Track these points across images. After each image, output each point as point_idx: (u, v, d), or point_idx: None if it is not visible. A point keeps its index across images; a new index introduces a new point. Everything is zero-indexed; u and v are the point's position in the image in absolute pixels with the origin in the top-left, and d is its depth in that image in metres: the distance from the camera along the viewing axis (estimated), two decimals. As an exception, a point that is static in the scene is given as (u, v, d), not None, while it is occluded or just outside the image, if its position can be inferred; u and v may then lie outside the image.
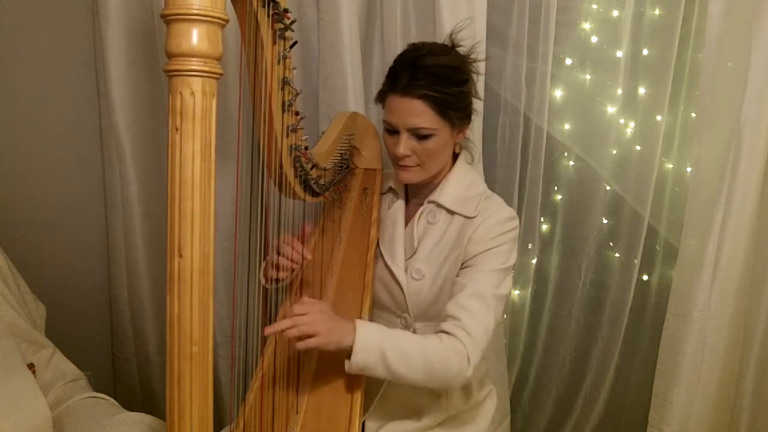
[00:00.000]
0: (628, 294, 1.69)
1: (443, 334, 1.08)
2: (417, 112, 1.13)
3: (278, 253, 1.13)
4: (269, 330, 0.96)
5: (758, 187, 1.51)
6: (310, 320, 0.97)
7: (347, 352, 1.01)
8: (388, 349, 1.02)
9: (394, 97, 1.15)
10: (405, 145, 1.17)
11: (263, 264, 1.19)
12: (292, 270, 1.14)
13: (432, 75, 1.12)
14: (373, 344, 1.01)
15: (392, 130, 1.19)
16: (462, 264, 1.18)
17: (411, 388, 1.20)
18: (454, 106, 1.15)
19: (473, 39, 1.42)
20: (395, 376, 1.03)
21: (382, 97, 1.21)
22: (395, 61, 1.20)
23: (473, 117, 1.26)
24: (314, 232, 1.31)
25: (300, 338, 0.97)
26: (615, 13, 1.62)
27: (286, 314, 0.99)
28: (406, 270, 1.23)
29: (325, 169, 1.16)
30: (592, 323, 1.78)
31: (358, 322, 1.03)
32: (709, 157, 1.51)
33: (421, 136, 1.16)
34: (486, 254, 1.15)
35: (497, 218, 1.18)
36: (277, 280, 1.16)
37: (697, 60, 1.56)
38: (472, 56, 1.24)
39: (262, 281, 1.19)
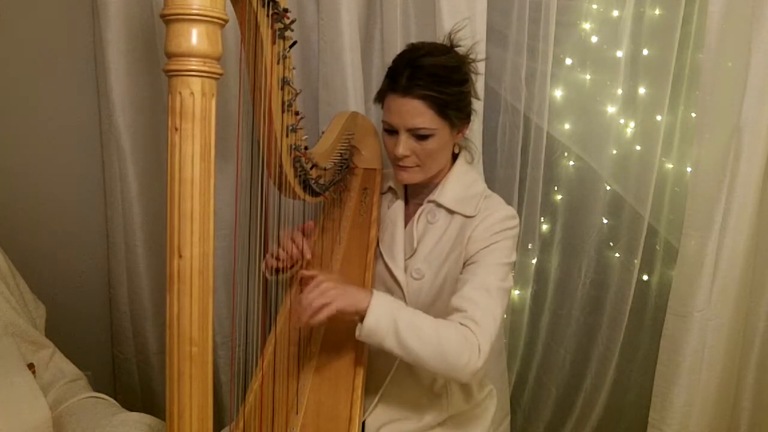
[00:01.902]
0: (628, 294, 1.69)
1: (454, 322, 1.06)
2: (417, 113, 1.13)
3: (279, 245, 1.13)
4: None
5: (758, 187, 1.51)
6: (320, 292, 0.98)
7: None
8: (400, 319, 1.01)
9: (394, 98, 1.15)
10: (404, 145, 1.16)
11: (266, 256, 1.19)
12: (292, 266, 1.14)
13: (431, 75, 1.12)
14: (387, 311, 1.01)
15: (391, 131, 1.19)
16: (464, 263, 1.17)
17: (412, 387, 1.21)
18: (453, 106, 1.15)
19: (473, 39, 1.42)
20: (405, 350, 1.01)
21: (381, 97, 1.21)
22: (394, 61, 1.20)
23: (473, 117, 1.26)
24: (315, 231, 1.31)
25: (320, 309, 0.98)
26: (615, 13, 1.62)
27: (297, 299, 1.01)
28: (405, 270, 1.23)
29: (325, 169, 1.16)
30: (592, 323, 1.78)
31: (375, 290, 1.04)
32: (709, 157, 1.51)
33: (420, 136, 1.16)
34: (487, 250, 1.15)
35: (497, 217, 1.18)
36: (278, 270, 1.16)
37: (697, 60, 1.57)
38: (471, 56, 1.24)
39: (263, 269, 1.19)
